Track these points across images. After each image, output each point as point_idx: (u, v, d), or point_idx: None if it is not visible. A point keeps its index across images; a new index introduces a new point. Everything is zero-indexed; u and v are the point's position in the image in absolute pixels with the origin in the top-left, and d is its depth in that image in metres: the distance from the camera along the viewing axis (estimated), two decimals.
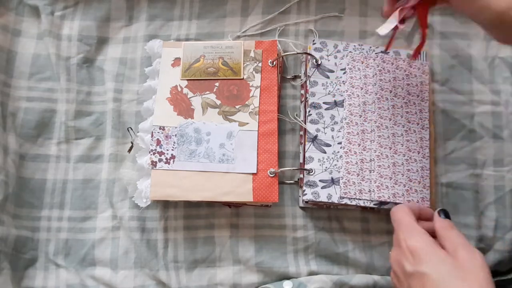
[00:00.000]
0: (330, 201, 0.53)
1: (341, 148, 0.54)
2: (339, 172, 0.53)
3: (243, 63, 0.57)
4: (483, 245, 0.53)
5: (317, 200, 0.53)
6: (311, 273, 0.53)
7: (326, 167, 0.54)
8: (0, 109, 0.57)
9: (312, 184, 0.53)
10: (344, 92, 0.56)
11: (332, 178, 0.53)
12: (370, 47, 0.57)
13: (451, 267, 0.37)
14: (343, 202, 0.52)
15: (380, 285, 0.52)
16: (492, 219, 0.54)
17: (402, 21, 0.46)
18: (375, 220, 0.55)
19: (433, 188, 0.54)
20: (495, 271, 0.53)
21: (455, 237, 0.41)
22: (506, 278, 0.52)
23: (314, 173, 0.53)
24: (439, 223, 0.43)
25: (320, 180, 0.53)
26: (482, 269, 0.37)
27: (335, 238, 0.54)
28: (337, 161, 0.54)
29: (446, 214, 0.44)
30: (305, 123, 0.56)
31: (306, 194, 0.53)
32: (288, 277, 0.53)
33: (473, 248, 0.39)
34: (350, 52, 0.57)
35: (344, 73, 0.56)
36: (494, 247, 0.53)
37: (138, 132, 0.56)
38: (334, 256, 0.54)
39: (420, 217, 0.45)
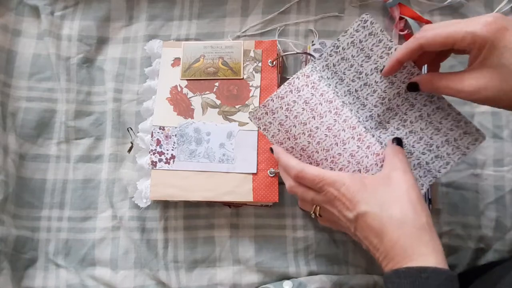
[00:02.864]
0: None
1: None
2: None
3: (243, 63, 0.57)
4: (483, 245, 0.53)
5: None
6: (311, 273, 0.53)
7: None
8: (0, 109, 0.57)
9: None
10: None
11: None
12: None
13: (383, 197, 0.39)
14: None
15: (380, 285, 0.52)
16: (492, 219, 0.54)
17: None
18: None
19: (434, 188, 0.54)
20: None
21: (397, 161, 0.42)
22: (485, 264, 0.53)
23: None
24: (389, 149, 0.44)
25: None
26: (411, 190, 0.39)
27: (335, 238, 0.54)
28: None
29: (398, 142, 0.45)
30: None
31: None
32: (288, 277, 0.53)
33: (407, 170, 0.41)
34: None
35: None
36: (494, 247, 0.53)
37: (138, 132, 0.56)
38: (334, 256, 0.54)
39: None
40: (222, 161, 0.53)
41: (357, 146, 0.46)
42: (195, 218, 0.55)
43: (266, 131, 0.47)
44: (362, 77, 0.47)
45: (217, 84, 0.56)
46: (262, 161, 0.53)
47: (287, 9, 0.61)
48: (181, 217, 0.56)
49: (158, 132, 0.55)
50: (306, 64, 0.58)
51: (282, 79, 0.59)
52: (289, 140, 0.47)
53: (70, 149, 0.58)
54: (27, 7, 0.62)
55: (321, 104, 0.46)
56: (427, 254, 0.36)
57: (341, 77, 0.47)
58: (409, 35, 0.59)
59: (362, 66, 0.47)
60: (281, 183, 0.55)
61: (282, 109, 0.47)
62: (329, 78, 0.48)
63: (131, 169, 0.57)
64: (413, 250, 0.37)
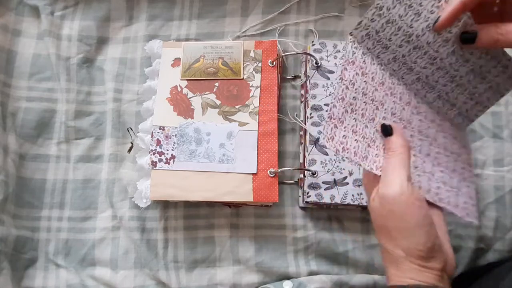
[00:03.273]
0: (333, 202, 0.53)
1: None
2: (341, 173, 0.53)
3: (243, 63, 0.57)
4: (483, 245, 0.53)
5: (321, 201, 0.53)
6: (311, 273, 0.53)
7: (328, 169, 0.54)
8: (0, 109, 0.57)
9: (315, 186, 0.53)
10: None
11: (334, 180, 0.53)
12: None
13: (371, 216, 0.38)
14: (346, 202, 0.53)
15: (380, 285, 0.52)
16: (492, 219, 0.54)
17: None
18: None
19: None
20: None
21: (387, 166, 0.37)
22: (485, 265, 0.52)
23: (317, 175, 0.53)
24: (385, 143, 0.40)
25: (323, 182, 0.53)
26: (390, 213, 0.36)
27: (335, 238, 0.54)
28: (339, 162, 0.54)
29: (384, 131, 0.39)
30: (305, 124, 0.56)
31: (310, 196, 0.53)
32: (288, 277, 0.53)
33: (390, 181, 0.36)
34: None
35: None
36: (494, 247, 0.53)
37: (138, 132, 0.56)
38: (334, 256, 0.54)
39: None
40: (222, 161, 0.53)
41: (419, 120, 0.42)
42: (195, 218, 0.56)
43: (344, 152, 0.39)
44: (412, 39, 0.40)
45: (217, 84, 0.56)
46: (262, 161, 0.53)
47: (287, 9, 0.61)
48: (181, 217, 0.56)
49: (158, 132, 0.55)
50: (306, 64, 0.58)
51: (282, 79, 0.59)
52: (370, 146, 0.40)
53: (70, 149, 0.58)
54: (27, 7, 0.62)
55: (377, 90, 0.41)
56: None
57: (385, 44, 0.40)
58: None
59: (412, 27, 0.39)
60: (281, 183, 0.55)
61: (347, 112, 0.39)
62: (369, 49, 0.41)
63: (131, 169, 0.57)
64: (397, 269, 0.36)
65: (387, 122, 0.39)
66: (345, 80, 0.40)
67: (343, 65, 0.40)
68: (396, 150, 0.37)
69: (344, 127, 0.39)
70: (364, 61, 0.41)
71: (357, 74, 0.40)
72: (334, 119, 0.39)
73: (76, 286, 0.55)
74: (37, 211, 0.57)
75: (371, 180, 0.39)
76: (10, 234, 0.54)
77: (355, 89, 0.40)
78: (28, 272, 0.55)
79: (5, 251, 0.53)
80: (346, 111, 0.39)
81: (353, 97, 0.40)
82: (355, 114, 0.40)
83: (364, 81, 0.40)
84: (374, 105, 0.40)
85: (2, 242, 0.53)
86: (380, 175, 0.38)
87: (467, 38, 0.39)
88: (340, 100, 0.39)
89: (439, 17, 0.38)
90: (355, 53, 0.40)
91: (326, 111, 0.55)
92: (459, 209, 0.43)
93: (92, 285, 0.54)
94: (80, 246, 0.56)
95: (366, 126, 0.40)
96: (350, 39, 0.40)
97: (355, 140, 0.39)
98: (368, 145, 0.40)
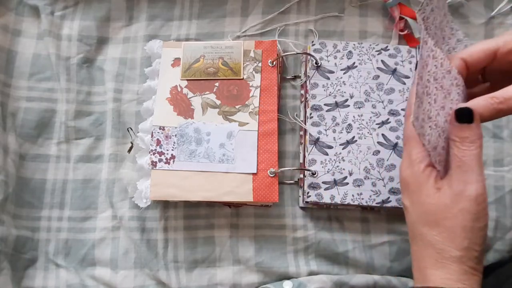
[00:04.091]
0: (333, 202, 0.53)
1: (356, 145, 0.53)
2: (341, 173, 0.53)
3: (243, 63, 0.57)
4: None
5: (321, 201, 0.53)
6: (311, 273, 0.53)
7: (328, 169, 0.54)
8: (0, 109, 0.57)
9: (315, 186, 0.53)
10: (344, 92, 0.56)
11: (334, 180, 0.53)
12: (370, 45, 0.57)
13: (426, 210, 0.35)
14: (346, 202, 0.53)
15: (380, 285, 0.52)
16: (492, 219, 0.54)
17: None
18: (375, 220, 0.55)
19: None
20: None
21: (456, 160, 0.35)
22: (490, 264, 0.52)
23: (317, 175, 0.53)
24: (451, 131, 0.36)
25: (323, 182, 0.53)
26: (460, 215, 0.34)
27: (335, 238, 0.54)
28: (339, 162, 0.54)
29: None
30: (305, 124, 0.56)
31: (310, 196, 0.53)
32: (288, 277, 0.53)
33: (471, 178, 0.34)
34: (350, 51, 0.57)
35: (345, 73, 0.56)
36: (494, 247, 0.53)
37: (138, 132, 0.56)
38: (334, 256, 0.54)
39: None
40: (222, 161, 0.53)
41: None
42: (195, 218, 0.56)
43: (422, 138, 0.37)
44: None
45: (217, 84, 0.56)
46: (262, 161, 0.53)
47: (287, 9, 0.61)
48: (181, 217, 0.56)
49: (158, 132, 0.55)
50: (306, 64, 0.58)
51: (282, 79, 0.59)
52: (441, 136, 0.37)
53: (70, 149, 0.59)
54: (27, 7, 0.62)
55: (445, 77, 0.38)
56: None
57: (444, 33, 0.39)
58: (409, 35, 0.59)
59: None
60: (281, 183, 0.55)
61: (424, 95, 0.36)
62: (433, 37, 0.39)
63: (131, 169, 0.57)
64: (431, 273, 0.35)
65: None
66: (422, 60, 0.37)
67: (421, 43, 0.37)
68: (476, 142, 0.35)
69: (423, 110, 0.36)
70: (434, 43, 0.38)
71: (428, 56, 0.37)
72: (418, 97, 0.35)
73: (76, 286, 0.55)
74: (37, 211, 0.57)
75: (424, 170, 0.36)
76: (10, 234, 0.54)
77: (428, 71, 0.37)
78: (28, 272, 0.55)
79: (5, 251, 0.53)
80: (423, 92, 0.36)
81: (427, 79, 0.37)
82: (429, 98, 0.36)
83: (435, 65, 0.38)
84: (443, 93, 0.37)
85: (2, 242, 0.53)
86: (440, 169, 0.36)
87: (463, 115, 0.35)
88: (420, 79, 0.36)
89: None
90: (426, 32, 0.38)
91: (327, 111, 0.55)
92: None
93: (92, 285, 0.54)
94: (80, 246, 0.56)
95: (438, 114, 0.37)
96: (420, 14, 0.37)
97: (429, 126, 0.36)
98: (439, 135, 0.37)
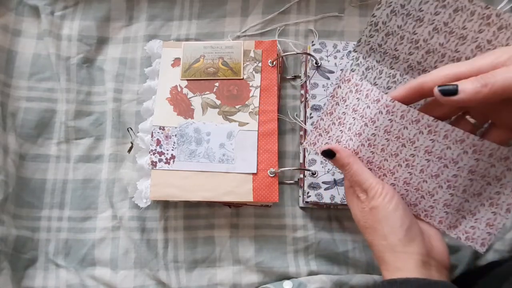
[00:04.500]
0: (333, 202, 0.53)
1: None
2: (341, 173, 0.53)
3: (243, 63, 0.57)
4: None
5: (321, 201, 0.53)
6: (311, 273, 0.53)
7: (328, 169, 0.54)
8: (0, 109, 0.57)
9: (315, 186, 0.53)
10: None
11: (334, 180, 0.53)
12: None
13: (356, 219, 0.41)
14: (345, 202, 0.53)
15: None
16: None
17: None
18: None
19: None
20: None
21: (347, 182, 0.42)
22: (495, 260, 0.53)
23: (317, 175, 0.53)
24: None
25: (323, 182, 0.53)
26: (373, 214, 0.39)
27: (335, 238, 0.54)
28: None
29: (326, 154, 0.42)
30: (305, 124, 0.56)
31: (310, 196, 0.53)
32: (288, 277, 0.53)
33: (366, 189, 0.40)
34: (350, 51, 0.57)
35: None
36: (494, 247, 0.53)
37: (138, 132, 0.56)
38: (334, 256, 0.54)
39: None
40: (222, 161, 0.53)
41: (430, 140, 0.38)
42: (195, 218, 0.56)
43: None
44: (421, 45, 0.39)
45: (217, 84, 0.56)
46: (262, 161, 0.53)
47: (287, 9, 0.61)
48: (181, 217, 0.56)
49: (158, 132, 0.55)
50: (306, 64, 0.58)
51: (282, 79, 0.59)
52: (353, 156, 0.41)
53: (70, 149, 0.59)
54: (27, 7, 0.62)
55: (369, 107, 0.39)
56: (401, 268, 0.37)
57: (394, 54, 0.40)
58: None
59: (416, 33, 0.39)
60: (281, 183, 0.55)
61: (335, 125, 0.42)
62: (379, 62, 0.41)
63: (131, 169, 0.57)
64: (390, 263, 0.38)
65: (326, 147, 0.42)
66: (337, 97, 0.42)
67: (337, 84, 0.41)
68: (348, 163, 0.41)
69: (329, 137, 0.43)
70: (361, 79, 0.41)
71: (350, 91, 0.41)
72: (320, 129, 0.43)
73: (76, 286, 0.55)
74: (37, 211, 0.57)
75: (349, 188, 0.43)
76: (10, 234, 0.54)
77: (346, 105, 0.41)
78: (28, 272, 0.55)
79: (5, 251, 0.53)
80: (334, 123, 0.42)
81: (343, 112, 0.42)
82: (342, 126, 0.42)
83: (357, 98, 0.41)
84: (363, 121, 0.40)
85: (2, 242, 0.53)
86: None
87: (447, 90, 0.34)
88: (328, 115, 0.43)
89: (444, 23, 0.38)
90: (354, 70, 0.41)
91: None
92: (458, 230, 0.41)
93: (92, 285, 0.54)
94: (80, 246, 0.56)
95: (351, 139, 0.41)
96: (353, 56, 0.40)
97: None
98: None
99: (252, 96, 0.56)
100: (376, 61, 0.41)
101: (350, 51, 0.57)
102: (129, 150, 0.58)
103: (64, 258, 0.56)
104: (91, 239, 0.56)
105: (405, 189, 0.41)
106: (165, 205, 0.56)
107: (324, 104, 0.44)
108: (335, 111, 0.42)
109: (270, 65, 0.56)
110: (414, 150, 0.39)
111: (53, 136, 0.59)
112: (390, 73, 0.42)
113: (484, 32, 0.37)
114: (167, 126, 0.55)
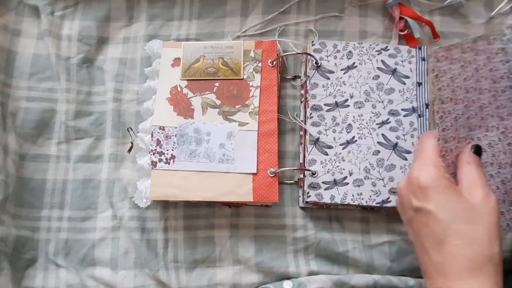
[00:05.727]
0: (333, 202, 0.53)
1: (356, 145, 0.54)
2: (341, 173, 0.53)
3: (243, 63, 0.57)
4: None
5: (321, 201, 0.53)
6: (311, 273, 0.53)
7: (328, 169, 0.54)
8: (0, 109, 0.57)
9: (315, 186, 0.53)
10: (344, 92, 0.56)
11: (334, 180, 0.53)
12: (370, 45, 0.57)
13: (458, 208, 0.37)
14: (345, 203, 0.53)
15: (380, 284, 0.52)
16: None
17: None
18: (375, 220, 0.55)
19: None
20: None
21: (475, 175, 0.38)
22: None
23: (317, 175, 0.53)
24: (465, 156, 0.40)
25: (323, 182, 0.53)
26: (492, 214, 0.36)
27: (335, 238, 0.54)
28: (339, 162, 0.54)
29: (477, 151, 0.40)
30: (305, 123, 0.56)
31: (310, 196, 0.53)
32: (288, 277, 0.53)
33: (490, 191, 0.37)
34: (350, 51, 0.57)
35: (345, 73, 0.56)
36: None
37: (138, 132, 0.56)
38: (334, 256, 0.54)
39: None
40: (222, 161, 0.53)
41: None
42: (195, 218, 0.56)
43: (436, 80, 0.41)
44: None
45: (217, 84, 0.56)
46: (262, 161, 0.53)
47: (287, 9, 0.61)
48: (181, 217, 0.56)
49: (158, 132, 0.55)
50: (306, 64, 0.58)
51: (282, 79, 0.59)
52: (451, 101, 0.41)
53: (70, 149, 0.58)
54: (27, 7, 0.62)
55: (486, 79, 0.42)
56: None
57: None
58: (409, 35, 0.59)
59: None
60: (281, 183, 0.55)
61: (459, 62, 0.42)
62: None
63: (131, 169, 0.57)
64: (471, 276, 0.34)
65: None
66: (475, 45, 0.42)
67: (480, 37, 0.42)
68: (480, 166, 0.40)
69: (449, 68, 0.41)
70: (498, 51, 0.42)
71: (484, 52, 0.42)
72: (450, 52, 0.41)
73: (76, 286, 0.55)
74: (37, 211, 0.57)
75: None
76: (10, 234, 0.54)
77: (474, 58, 0.42)
78: (28, 272, 0.55)
79: (5, 251, 0.53)
80: (459, 60, 0.41)
81: (469, 61, 0.42)
82: (462, 70, 0.42)
83: (484, 63, 0.42)
84: (475, 85, 0.42)
85: (2, 242, 0.53)
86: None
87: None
88: (460, 51, 0.41)
89: None
90: (496, 41, 0.42)
91: (327, 111, 0.55)
92: None
93: (92, 285, 0.54)
94: (80, 246, 0.56)
95: (460, 88, 0.41)
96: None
97: (447, 84, 0.41)
98: (450, 99, 0.41)
99: (252, 96, 0.56)
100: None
101: (350, 51, 0.57)
102: (129, 150, 0.58)
103: (64, 258, 0.55)
104: (91, 239, 0.56)
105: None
106: (165, 205, 0.56)
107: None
108: (466, 53, 0.42)
109: (270, 65, 0.56)
110: None
111: (53, 136, 0.59)
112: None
113: None
114: (167, 126, 0.55)
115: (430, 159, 0.40)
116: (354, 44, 0.57)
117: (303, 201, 0.55)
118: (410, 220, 0.39)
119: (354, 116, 0.55)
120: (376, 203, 0.52)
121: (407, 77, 0.56)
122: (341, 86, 0.56)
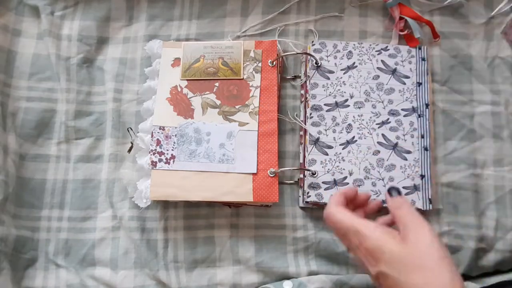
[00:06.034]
0: None
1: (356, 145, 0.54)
2: (341, 173, 0.53)
3: (243, 63, 0.57)
4: (484, 245, 0.53)
5: (321, 201, 0.53)
6: (311, 273, 0.53)
7: (328, 169, 0.54)
8: (0, 109, 0.57)
9: (315, 186, 0.53)
10: (344, 92, 0.56)
11: (334, 180, 0.53)
12: (370, 45, 0.57)
13: (403, 257, 0.36)
14: None
15: None
16: (493, 219, 0.54)
17: None
18: (374, 220, 0.55)
19: (434, 188, 0.54)
20: (496, 270, 0.54)
21: (404, 215, 0.38)
22: (508, 280, 0.52)
23: (317, 175, 0.53)
24: (390, 203, 0.41)
25: (323, 182, 0.53)
26: (432, 247, 0.35)
27: (335, 238, 0.54)
28: (339, 162, 0.54)
29: (397, 192, 0.41)
30: (305, 123, 0.56)
31: (310, 196, 0.53)
32: (288, 277, 0.53)
33: (421, 224, 0.37)
34: (350, 51, 0.57)
35: (345, 73, 0.56)
36: (495, 247, 0.53)
37: (138, 132, 0.56)
38: (334, 256, 0.54)
39: (357, 202, 0.45)
40: (222, 161, 0.53)
41: None
42: (195, 218, 0.55)
43: None
44: None
45: (217, 84, 0.56)
46: (262, 161, 0.53)
47: (287, 9, 0.61)
48: (181, 217, 0.56)
49: (158, 132, 0.55)
50: (306, 64, 0.58)
51: (282, 79, 0.59)
52: None
53: (70, 149, 0.58)
54: (27, 7, 0.62)
55: None
56: None
57: None
58: (409, 35, 0.59)
59: None
60: (281, 183, 0.55)
61: None
62: None
63: (131, 169, 0.57)
64: None
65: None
66: None
67: None
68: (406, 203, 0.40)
69: None
70: None
71: None
72: None
73: (76, 286, 0.54)
74: (37, 211, 0.57)
75: None
76: (10, 234, 0.54)
77: None
78: (28, 272, 0.55)
79: (5, 251, 0.53)
80: None
81: None
82: None
83: None
84: None
85: (2, 242, 0.53)
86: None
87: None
88: None
89: None
90: None
91: (327, 111, 0.55)
92: None
93: (92, 285, 0.54)
94: (80, 246, 0.56)
95: None
96: None
97: None
98: None
99: (252, 96, 0.56)
100: None
101: (350, 51, 0.57)
102: (129, 150, 0.58)
103: (64, 258, 0.55)
104: (91, 239, 0.56)
105: None
106: (165, 205, 0.56)
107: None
108: None
109: (270, 65, 0.56)
110: None
111: (53, 136, 0.59)
112: None
113: None
114: (167, 126, 0.55)
115: (358, 225, 0.39)
116: (354, 44, 0.57)
117: (303, 201, 0.55)
118: (380, 286, 0.38)
119: (354, 116, 0.55)
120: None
121: (407, 77, 0.56)
122: (341, 86, 0.56)
